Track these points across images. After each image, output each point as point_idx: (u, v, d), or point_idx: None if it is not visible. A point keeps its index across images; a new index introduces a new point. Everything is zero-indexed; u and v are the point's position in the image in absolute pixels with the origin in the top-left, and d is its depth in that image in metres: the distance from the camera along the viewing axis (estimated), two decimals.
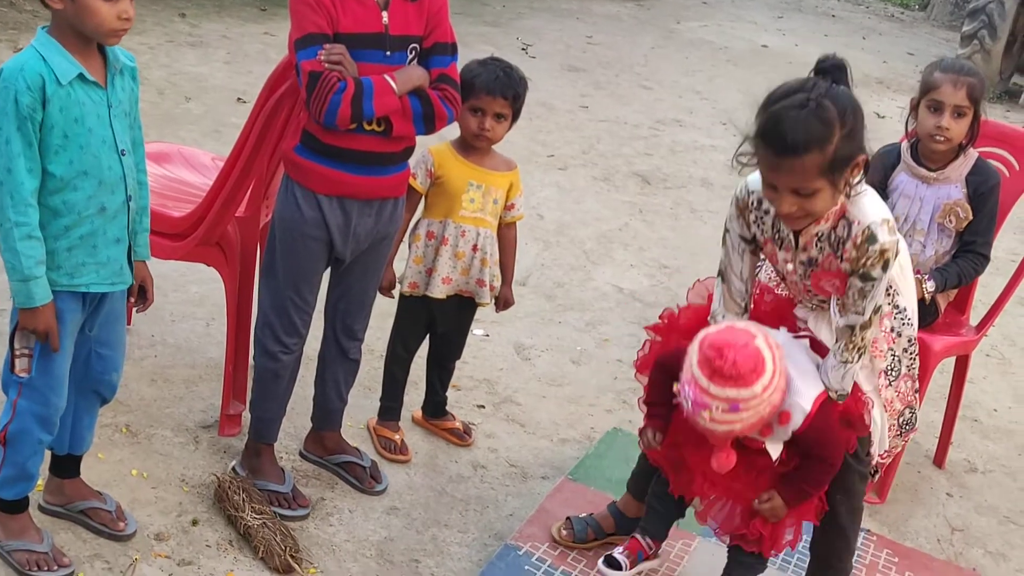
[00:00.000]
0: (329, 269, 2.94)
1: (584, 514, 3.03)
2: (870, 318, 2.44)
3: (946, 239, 3.50)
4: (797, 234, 2.46)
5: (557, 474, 3.35)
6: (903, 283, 2.69)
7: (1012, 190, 3.66)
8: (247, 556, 2.74)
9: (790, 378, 2.42)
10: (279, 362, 2.88)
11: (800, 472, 2.51)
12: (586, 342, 4.34)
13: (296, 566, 2.69)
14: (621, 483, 3.02)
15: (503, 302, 3.28)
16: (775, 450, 2.47)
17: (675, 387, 2.47)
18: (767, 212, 2.50)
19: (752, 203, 2.52)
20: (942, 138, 3.40)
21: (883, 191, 3.54)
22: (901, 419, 2.71)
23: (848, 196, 2.38)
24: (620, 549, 2.74)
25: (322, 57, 2.59)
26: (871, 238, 2.35)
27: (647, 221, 5.95)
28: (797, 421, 2.42)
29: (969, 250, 3.49)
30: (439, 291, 3.14)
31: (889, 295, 2.63)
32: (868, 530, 3.29)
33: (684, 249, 5.54)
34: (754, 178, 2.49)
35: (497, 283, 3.23)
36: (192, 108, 6.28)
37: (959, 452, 3.99)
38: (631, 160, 7.02)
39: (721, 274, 2.67)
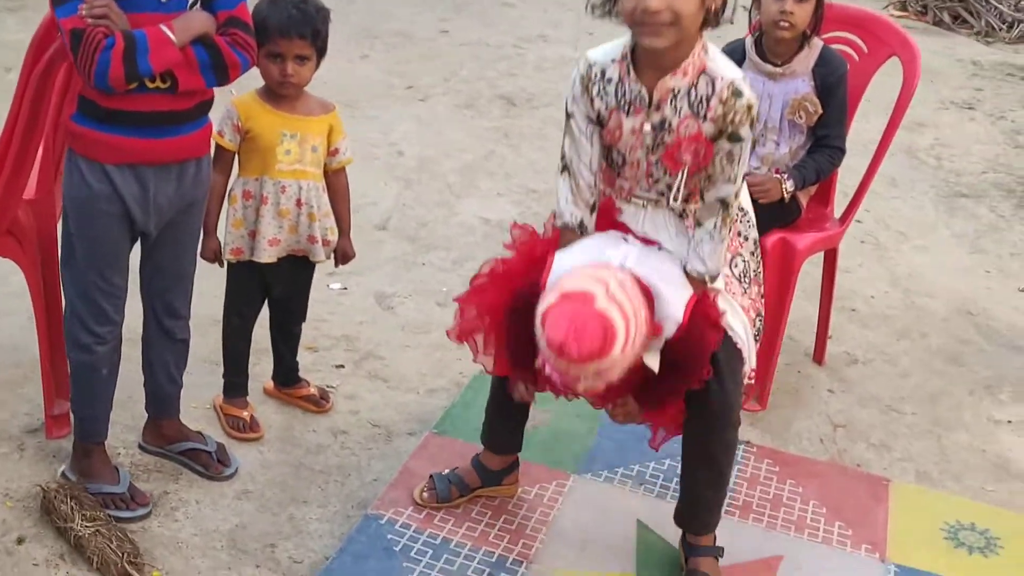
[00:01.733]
0: (140, 245, 2.69)
1: (447, 470, 2.87)
2: (741, 186, 2.37)
3: (799, 135, 3.38)
4: (651, 92, 2.33)
5: (424, 429, 3.18)
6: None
7: (863, 73, 3.54)
8: (81, 569, 2.52)
9: (657, 292, 2.30)
10: (94, 354, 2.63)
11: (661, 379, 2.35)
12: (452, 282, 4.14)
13: (135, 573, 2.48)
14: None
15: (342, 255, 3.07)
16: (654, 362, 2.30)
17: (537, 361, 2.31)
18: (610, 80, 2.39)
19: (595, 75, 2.41)
20: (787, 23, 3.26)
21: None
22: (753, 328, 2.59)
23: (711, 25, 2.29)
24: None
25: (83, 11, 2.32)
26: (737, 92, 2.28)
27: (513, 145, 5.74)
28: (670, 331, 2.29)
29: (824, 144, 3.39)
30: (267, 255, 2.91)
31: None
32: (748, 442, 3.19)
33: (551, 171, 5.31)
34: (594, 51, 2.41)
35: (332, 236, 3.01)
36: (14, 79, 5.84)
37: (839, 345, 3.92)
38: (495, 83, 6.77)
39: (567, 168, 2.52)
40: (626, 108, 2.37)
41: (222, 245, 2.94)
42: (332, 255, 3.05)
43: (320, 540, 2.72)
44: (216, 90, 2.59)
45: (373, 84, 6.37)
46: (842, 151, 3.41)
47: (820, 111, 3.33)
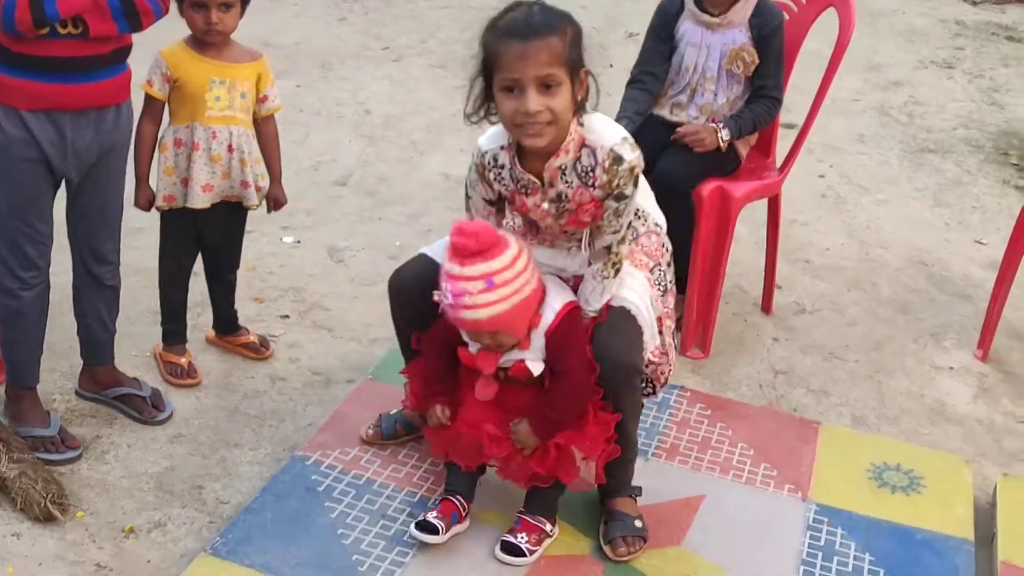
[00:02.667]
0: (65, 192, 2.72)
1: (395, 410, 2.91)
2: (625, 233, 2.48)
3: (736, 85, 3.40)
4: (540, 176, 2.43)
5: (363, 377, 3.21)
6: (646, 201, 2.69)
7: (800, 24, 3.54)
8: (5, 509, 2.57)
9: (547, 288, 2.46)
10: (20, 299, 2.67)
11: (547, 396, 2.47)
12: (406, 235, 4.17)
13: (57, 513, 2.53)
14: None
15: (273, 202, 3.10)
16: (536, 366, 2.44)
17: (437, 296, 2.38)
18: (503, 167, 2.48)
19: (489, 162, 2.49)
20: None
21: (669, 41, 3.41)
22: (675, 339, 2.65)
23: (582, 112, 2.38)
24: (434, 513, 2.55)
25: None
26: (617, 159, 2.37)
27: None
28: (547, 319, 2.43)
29: (761, 95, 3.40)
30: (200, 201, 2.94)
31: (640, 216, 2.64)
32: (682, 387, 3.22)
33: None
34: (484, 138, 2.48)
35: (264, 182, 3.04)
36: None
37: (788, 296, 3.94)
38: (472, 44, 6.69)
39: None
40: (523, 191, 2.48)
41: (155, 193, 2.97)
42: (265, 201, 3.08)
43: (249, 482, 2.77)
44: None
45: (348, 46, 6.37)
46: (779, 101, 3.42)
47: (757, 61, 3.34)
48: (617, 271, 2.49)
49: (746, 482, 2.83)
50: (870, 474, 2.88)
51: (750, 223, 4.15)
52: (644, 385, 2.62)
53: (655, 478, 2.77)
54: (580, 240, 2.56)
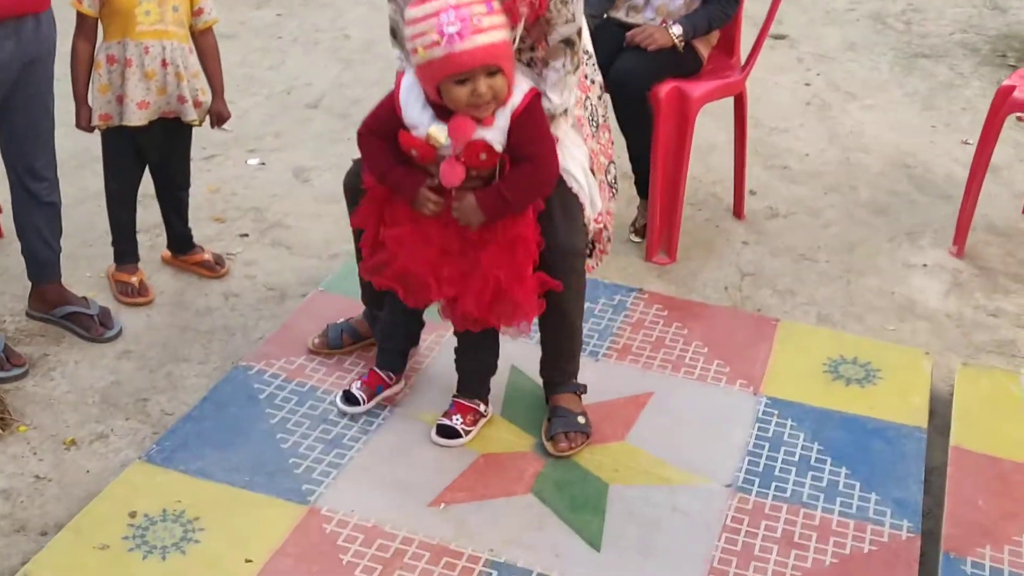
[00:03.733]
0: None
1: (342, 320, 2.89)
2: (582, 23, 2.36)
3: None
4: None
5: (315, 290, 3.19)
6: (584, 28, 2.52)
7: None
8: None
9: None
10: None
11: (505, 177, 2.31)
12: None
13: None
14: None
15: (217, 117, 3.05)
16: (499, 142, 2.28)
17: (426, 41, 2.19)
18: None
19: None
20: None
21: None
22: (608, 175, 2.56)
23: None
24: (358, 384, 2.61)
25: None
26: None
27: None
28: (516, 99, 2.28)
29: None
30: (137, 118, 2.90)
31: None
32: (639, 289, 3.17)
33: None
34: None
35: (203, 97, 3.00)
36: None
37: (763, 201, 3.85)
38: None
39: (394, 34, 2.54)
40: None
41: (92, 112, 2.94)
42: (208, 117, 3.04)
43: (195, 394, 2.75)
44: None
45: None
46: (735, 1, 3.32)
47: None
48: (576, 68, 2.39)
49: (697, 379, 2.78)
50: (826, 368, 2.83)
51: (729, 131, 4.06)
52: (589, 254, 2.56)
53: (603, 377, 2.73)
54: (519, 53, 2.39)
